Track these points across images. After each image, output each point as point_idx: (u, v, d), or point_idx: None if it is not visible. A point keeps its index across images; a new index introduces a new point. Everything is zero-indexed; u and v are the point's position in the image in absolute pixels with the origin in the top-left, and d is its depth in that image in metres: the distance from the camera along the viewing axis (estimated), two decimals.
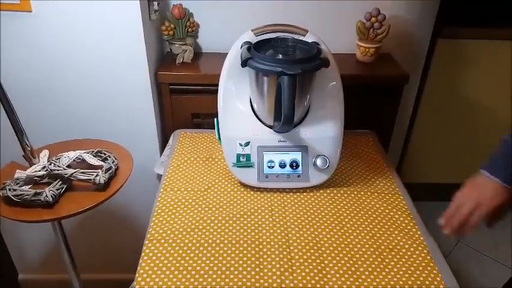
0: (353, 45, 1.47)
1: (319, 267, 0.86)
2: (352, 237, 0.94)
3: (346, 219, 0.99)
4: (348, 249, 0.91)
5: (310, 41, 1.06)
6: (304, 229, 0.96)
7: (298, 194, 1.07)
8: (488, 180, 0.83)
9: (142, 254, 0.89)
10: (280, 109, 0.95)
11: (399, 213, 1.02)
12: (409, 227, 0.98)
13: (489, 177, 0.83)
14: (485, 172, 0.83)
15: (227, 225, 0.96)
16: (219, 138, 1.10)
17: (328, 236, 0.94)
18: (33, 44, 1.22)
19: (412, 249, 0.92)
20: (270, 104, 1.01)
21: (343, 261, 0.88)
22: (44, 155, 1.13)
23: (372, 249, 0.91)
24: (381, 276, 0.85)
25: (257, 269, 0.85)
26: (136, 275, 0.84)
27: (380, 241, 0.93)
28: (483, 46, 1.75)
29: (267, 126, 1.08)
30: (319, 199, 1.06)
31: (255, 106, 1.09)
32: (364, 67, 1.44)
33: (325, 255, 0.89)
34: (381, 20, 1.37)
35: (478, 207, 0.82)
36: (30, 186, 1.04)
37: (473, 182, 0.85)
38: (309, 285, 0.83)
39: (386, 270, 0.86)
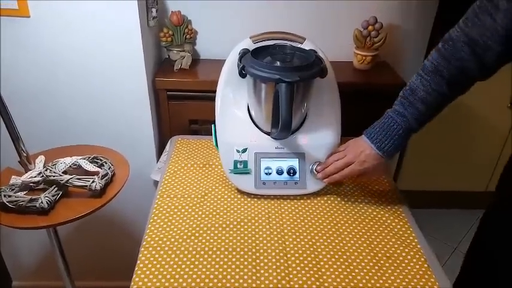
0: (350, 53, 1.47)
1: (317, 275, 0.86)
2: (349, 244, 0.94)
3: (344, 227, 0.99)
4: (345, 256, 0.91)
5: (307, 49, 1.07)
6: (302, 236, 0.96)
7: (295, 201, 1.07)
8: (367, 144, 0.94)
9: (138, 262, 0.88)
10: (277, 116, 0.95)
11: (396, 220, 1.02)
12: (406, 235, 0.98)
13: (367, 142, 0.94)
14: (364, 137, 0.95)
15: (224, 232, 0.96)
16: (216, 144, 1.09)
17: (326, 243, 0.94)
18: (31, 49, 1.22)
19: (409, 256, 0.91)
20: (267, 110, 1.01)
21: (340, 269, 0.87)
22: (40, 160, 1.12)
23: (369, 257, 0.91)
24: (378, 284, 0.84)
25: (254, 277, 0.85)
26: (132, 283, 0.83)
27: (377, 249, 0.93)
28: None
29: (265, 132, 1.08)
30: (316, 206, 1.06)
31: (252, 113, 1.09)
32: (361, 75, 1.45)
33: (322, 262, 0.89)
34: (378, 29, 1.38)
35: (349, 162, 0.96)
36: (25, 192, 1.03)
37: (356, 141, 0.97)
38: None
39: (384, 278, 0.86)
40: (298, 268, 0.87)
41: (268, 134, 1.08)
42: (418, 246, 0.94)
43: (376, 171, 0.97)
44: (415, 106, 0.89)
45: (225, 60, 1.10)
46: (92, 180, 1.03)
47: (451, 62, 0.84)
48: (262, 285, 0.83)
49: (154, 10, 1.29)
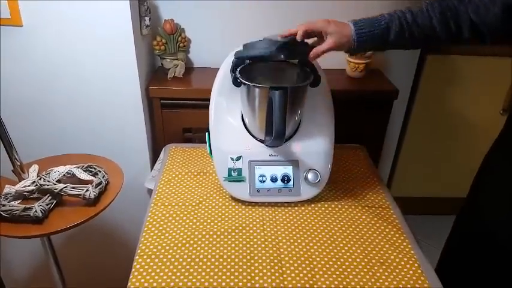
0: (343, 61, 1.49)
1: (311, 282, 0.86)
2: (343, 251, 0.94)
3: (337, 234, 1.00)
4: (339, 263, 0.91)
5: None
6: (296, 243, 0.96)
7: (289, 208, 1.07)
8: (349, 30, 0.96)
9: (133, 270, 0.88)
10: (271, 124, 0.96)
11: (390, 227, 1.02)
12: (399, 241, 0.98)
13: (350, 27, 0.96)
14: (351, 24, 0.97)
15: (218, 239, 0.96)
16: (211, 152, 1.10)
17: (320, 250, 0.94)
18: (24, 59, 1.22)
19: (402, 262, 0.92)
20: (261, 118, 1.02)
21: (334, 275, 0.88)
22: (34, 169, 1.12)
23: (363, 263, 0.91)
24: None
25: (248, 284, 0.85)
26: None
27: (371, 255, 0.94)
28: (471, 62, 1.78)
29: (259, 140, 1.09)
30: (310, 213, 1.06)
31: (246, 121, 1.10)
32: (354, 82, 1.46)
33: (316, 269, 0.89)
34: None
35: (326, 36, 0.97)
36: (19, 201, 1.03)
37: (342, 24, 0.98)
38: None
39: (378, 284, 0.86)
40: (293, 275, 0.87)
41: (262, 141, 1.08)
42: (412, 252, 0.95)
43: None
44: (404, 13, 0.93)
45: (218, 68, 1.11)
46: (86, 189, 1.03)
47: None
48: None
49: (147, 19, 1.30)
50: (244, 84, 0.99)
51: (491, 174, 1.02)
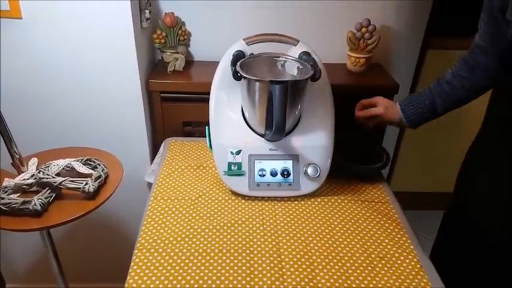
0: (344, 55, 1.48)
1: (310, 276, 0.86)
2: (342, 245, 0.94)
3: (337, 228, 1.00)
4: (338, 257, 0.91)
5: (301, 51, 1.08)
6: (295, 238, 0.96)
7: (289, 202, 1.07)
8: (398, 111, 1.11)
9: (132, 264, 0.88)
10: (271, 118, 0.95)
11: (389, 221, 1.02)
12: (399, 236, 0.98)
13: (400, 109, 1.10)
14: (398, 105, 1.11)
15: (218, 233, 0.96)
16: (210, 146, 1.10)
17: (319, 244, 0.94)
18: (23, 51, 1.21)
19: (402, 257, 0.92)
20: (261, 112, 1.02)
21: (334, 270, 0.88)
22: (33, 163, 1.11)
23: (362, 258, 0.91)
24: (371, 285, 0.85)
25: (248, 278, 0.85)
26: (126, 284, 0.83)
27: (370, 250, 0.94)
28: None
29: (259, 134, 1.09)
30: (310, 208, 1.06)
31: (246, 115, 1.10)
32: (355, 77, 1.46)
33: (315, 263, 0.89)
34: (372, 31, 1.39)
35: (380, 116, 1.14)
36: (18, 194, 1.02)
37: (392, 105, 1.14)
38: None
39: (377, 278, 0.86)
40: (292, 269, 0.87)
41: (262, 135, 1.08)
42: (411, 247, 0.95)
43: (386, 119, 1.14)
44: (440, 85, 1.05)
45: (218, 62, 1.11)
46: (85, 182, 1.03)
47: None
48: (257, 286, 0.83)
49: (147, 11, 1.29)
50: (245, 78, 0.99)
51: (475, 170, 1.09)
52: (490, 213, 1.01)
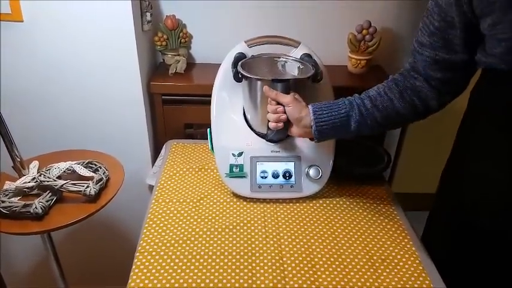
0: (344, 57, 1.48)
1: (312, 278, 0.86)
2: (344, 247, 0.94)
3: (339, 230, 0.99)
4: (340, 259, 0.91)
5: (302, 53, 1.08)
6: (297, 240, 0.96)
7: (291, 204, 1.07)
8: (308, 120, 0.91)
9: (133, 267, 0.87)
10: None
11: (391, 223, 1.02)
12: (401, 237, 0.98)
13: (311, 117, 0.90)
14: (311, 111, 0.91)
15: (219, 236, 0.96)
16: (212, 148, 1.09)
17: (321, 246, 0.94)
18: (25, 54, 1.21)
19: (404, 259, 0.92)
20: (263, 113, 1.02)
21: (336, 272, 0.87)
22: (34, 166, 1.11)
23: (364, 260, 0.91)
24: (373, 287, 0.84)
25: (250, 281, 0.85)
26: (127, 287, 0.83)
27: (372, 251, 0.93)
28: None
29: (260, 136, 1.08)
30: (312, 209, 1.06)
31: (248, 116, 1.09)
32: (356, 79, 1.46)
33: (318, 265, 0.89)
34: (372, 33, 1.39)
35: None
36: (19, 197, 1.02)
37: (301, 106, 0.93)
38: None
39: (379, 280, 0.86)
40: (294, 271, 0.87)
41: (264, 137, 1.08)
42: (413, 248, 0.95)
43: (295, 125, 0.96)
44: (362, 99, 0.91)
45: (220, 64, 1.11)
46: (86, 185, 1.02)
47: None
48: None
49: (148, 14, 1.29)
50: (246, 78, 0.99)
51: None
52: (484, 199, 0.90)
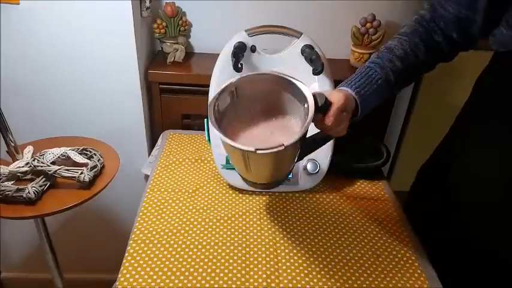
0: (347, 51, 1.46)
1: (306, 271, 0.85)
2: (339, 242, 0.93)
3: (334, 225, 0.98)
4: (335, 253, 0.90)
5: (304, 44, 1.06)
6: (292, 233, 0.95)
7: (287, 197, 1.06)
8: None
9: (126, 254, 0.87)
10: None
11: (388, 219, 1.01)
12: (397, 233, 0.97)
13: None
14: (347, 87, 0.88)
15: (214, 227, 0.95)
16: (209, 139, 1.08)
17: (316, 240, 0.93)
18: (20, 38, 1.19)
19: (399, 255, 0.91)
20: None
21: (330, 266, 0.87)
22: (28, 151, 1.10)
23: (359, 255, 0.90)
24: (367, 282, 0.84)
25: (243, 272, 0.84)
26: (119, 274, 0.82)
27: (368, 247, 0.93)
28: (476, 56, 1.75)
29: None
30: (308, 204, 1.05)
31: None
32: None
33: (311, 259, 0.88)
34: (376, 26, 1.37)
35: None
36: (12, 182, 1.01)
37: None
38: None
39: (374, 276, 0.85)
40: (288, 264, 0.86)
41: None
42: (410, 244, 0.94)
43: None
44: (392, 62, 0.88)
45: (218, 54, 1.09)
46: (80, 171, 1.01)
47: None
48: (252, 280, 0.82)
49: (147, 0, 1.27)
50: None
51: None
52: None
